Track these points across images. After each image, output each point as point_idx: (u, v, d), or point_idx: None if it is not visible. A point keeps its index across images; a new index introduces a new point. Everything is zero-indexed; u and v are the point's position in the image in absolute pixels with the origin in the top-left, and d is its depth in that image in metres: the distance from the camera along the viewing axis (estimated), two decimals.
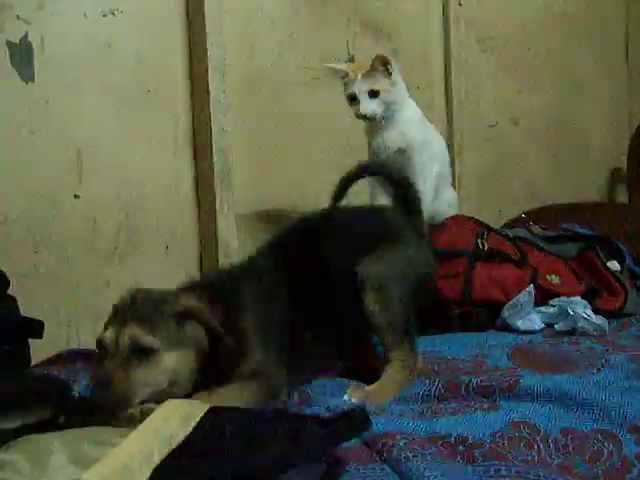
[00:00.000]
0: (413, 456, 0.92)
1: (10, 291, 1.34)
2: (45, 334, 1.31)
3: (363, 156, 1.88)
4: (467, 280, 1.68)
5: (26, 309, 1.34)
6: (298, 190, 2.09)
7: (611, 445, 0.97)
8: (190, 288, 1.17)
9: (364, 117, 1.78)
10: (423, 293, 1.35)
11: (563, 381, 1.14)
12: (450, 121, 2.46)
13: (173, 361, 1.06)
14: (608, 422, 1.02)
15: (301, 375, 1.23)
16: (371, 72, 1.75)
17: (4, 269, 1.33)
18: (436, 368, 1.32)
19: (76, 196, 1.66)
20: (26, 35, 1.58)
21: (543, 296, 1.70)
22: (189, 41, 1.84)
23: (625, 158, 2.95)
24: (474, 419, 1.03)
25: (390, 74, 1.76)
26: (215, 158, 1.83)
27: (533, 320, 1.62)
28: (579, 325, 1.55)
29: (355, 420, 0.90)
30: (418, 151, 1.81)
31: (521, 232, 1.96)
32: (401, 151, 1.81)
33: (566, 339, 1.52)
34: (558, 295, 1.70)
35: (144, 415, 0.91)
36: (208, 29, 1.80)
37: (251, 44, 1.98)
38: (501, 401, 1.11)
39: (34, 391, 1.02)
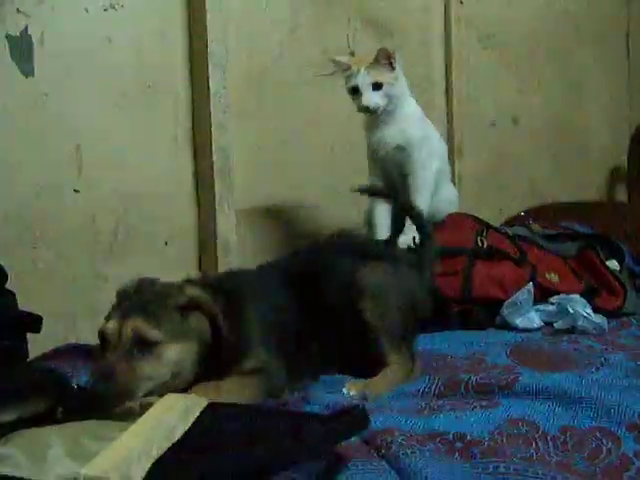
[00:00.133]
0: (411, 453, 0.92)
1: (9, 286, 1.33)
2: (43, 329, 1.31)
3: (363, 154, 1.88)
4: (467, 278, 1.68)
5: (25, 304, 1.34)
6: (298, 188, 2.09)
7: (610, 443, 0.97)
8: (194, 282, 1.18)
9: (366, 109, 1.76)
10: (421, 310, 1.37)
11: (562, 379, 1.14)
12: (450, 120, 2.45)
13: (176, 353, 1.06)
14: (607, 420, 1.02)
15: (301, 380, 1.22)
16: (374, 65, 1.74)
17: (2, 264, 1.33)
18: (435, 365, 1.32)
19: (75, 191, 1.66)
20: (26, 29, 1.57)
21: (542, 294, 1.70)
22: (190, 37, 1.84)
23: (625, 157, 2.96)
24: (473, 416, 1.03)
25: (394, 68, 1.76)
26: (215, 156, 1.83)
27: (532, 318, 1.62)
28: (579, 323, 1.55)
29: (355, 418, 0.90)
30: (417, 147, 1.81)
31: (521, 230, 1.96)
32: (400, 148, 1.80)
33: (565, 337, 1.52)
34: (557, 293, 1.70)
35: (143, 409, 0.91)
36: (209, 25, 1.80)
37: (252, 41, 1.98)
38: (500, 399, 1.11)
39: (30, 383, 1.01)
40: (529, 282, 1.68)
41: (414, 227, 1.54)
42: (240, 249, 1.89)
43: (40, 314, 1.31)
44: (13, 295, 1.33)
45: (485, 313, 1.67)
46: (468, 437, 0.97)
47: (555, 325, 1.60)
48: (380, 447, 0.94)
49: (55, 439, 0.82)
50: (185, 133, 1.85)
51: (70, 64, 1.64)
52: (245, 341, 1.13)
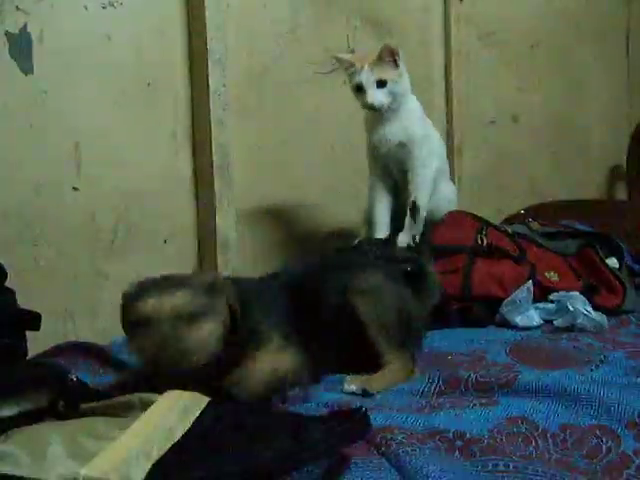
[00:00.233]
0: (411, 451, 0.92)
1: (9, 284, 1.33)
2: (43, 327, 1.30)
3: (363, 153, 1.88)
4: (466, 276, 1.68)
5: (25, 302, 1.34)
6: (298, 187, 2.09)
7: (609, 441, 0.97)
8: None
9: (371, 107, 1.75)
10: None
11: (562, 377, 1.14)
12: (450, 119, 2.45)
13: (210, 329, 1.09)
14: (607, 418, 1.02)
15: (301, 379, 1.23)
16: (378, 62, 1.72)
17: (3, 262, 1.33)
18: (435, 363, 1.32)
19: (75, 188, 1.66)
20: (25, 26, 1.57)
21: (542, 292, 1.69)
22: (189, 34, 1.83)
23: (624, 156, 2.96)
24: (472, 414, 1.03)
25: (397, 65, 1.74)
26: (214, 153, 1.83)
27: (531, 316, 1.62)
28: (578, 321, 1.55)
29: (356, 424, 0.89)
30: (418, 145, 1.80)
31: (520, 228, 1.95)
32: (401, 145, 1.80)
33: (565, 335, 1.51)
34: (557, 291, 1.70)
35: (144, 405, 0.91)
36: (209, 22, 1.79)
37: (251, 39, 1.98)
38: (500, 397, 1.11)
39: (30, 378, 1.01)
40: (528, 280, 1.68)
41: (414, 226, 1.54)
42: (240, 247, 1.89)
43: (40, 312, 1.31)
44: (12, 293, 1.33)
45: (485, 311, 1.67)
46: (468, 435, 0.97)
47: (555, 323, 1.60)
48: (380, 445, 0.94)
49: (55, 437, 0.82)
50: (184, 130, 1.85)
51: (69, 62, 1.64)
52: (259, 325, 1.17)
